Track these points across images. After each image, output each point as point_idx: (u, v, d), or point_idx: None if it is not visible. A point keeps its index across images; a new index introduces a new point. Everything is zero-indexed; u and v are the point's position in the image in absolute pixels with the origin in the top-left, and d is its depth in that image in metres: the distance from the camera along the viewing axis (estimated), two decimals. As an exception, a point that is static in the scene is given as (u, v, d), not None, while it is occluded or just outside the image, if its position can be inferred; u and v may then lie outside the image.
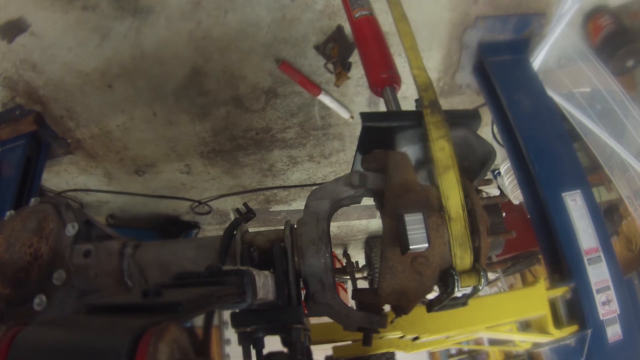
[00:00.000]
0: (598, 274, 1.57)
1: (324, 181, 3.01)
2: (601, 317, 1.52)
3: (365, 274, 3.71)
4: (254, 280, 0.65)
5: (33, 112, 2.11)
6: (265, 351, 0.78)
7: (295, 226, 0.86)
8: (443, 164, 0.81)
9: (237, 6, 1.82)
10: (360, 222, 3.79)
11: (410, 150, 0.91)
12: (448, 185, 0.79)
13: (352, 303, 0.89)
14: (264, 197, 3.18)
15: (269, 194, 3.14)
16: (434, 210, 0.77)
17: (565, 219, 1.62)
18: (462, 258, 0.76)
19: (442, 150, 0.82)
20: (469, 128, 0.91)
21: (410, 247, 0.69)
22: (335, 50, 1.99)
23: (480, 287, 0.76)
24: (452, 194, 0.78)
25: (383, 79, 1.06)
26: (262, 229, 0.91)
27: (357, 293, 0.86)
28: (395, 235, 0.74)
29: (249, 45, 1.97)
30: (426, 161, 0.86)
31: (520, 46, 2.01)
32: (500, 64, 1.99)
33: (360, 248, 4.37)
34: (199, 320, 0.57)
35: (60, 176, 2.61)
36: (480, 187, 0.93)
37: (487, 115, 2.08)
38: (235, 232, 0.87)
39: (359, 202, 0.88)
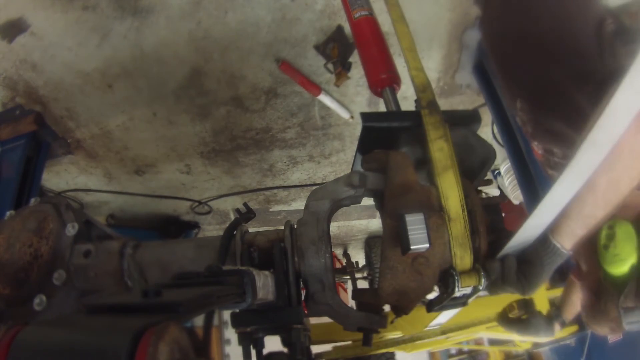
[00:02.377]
0: (598, 274, 1.57)
1: (324, 181, 3.01)
2: (601, 317, 1.52)
3: (365, 274, 3.71)
4: (254, 280, 0.65)
5: (33, 112, 2.11)
6: (265, 351, 0.78)
7: (295, 226, 0.86)
8: (442, 164, 0.81)
9: (237, 6, 1.82)
10: (360, 222, 3.79)
11: (410, 151, 0.91)
12: (447, 186, 0.79)
13: (352, 303, 0.89)
14: (264, 197, 3.18)
15: (269, 194, 3.14)
16: (434, 210, 0.77)
17: (565, 219, 1.62)
18: (462, 258, 0.76)
19: (441, 150, 0.82)
20: (469, 128, 0.91)
21: (411, 247, 0.69)
22: (335, 50, 1.99)
23: (481, 287, 0.77)
24: (452, 194, 0.78)
25: (383, 79, 1.06)
26: (262, 229, 0.91)
27: (357, 293, 0.86)
28: (395, 235, 0.74)
29: (249, 45, 1.98)
30: (426, 161, 0.86)
31: (520, 46, 2.01)
32: (500, 64, 1.98)
33: (360, 248, 4.37)
34: (199, 320, 0.57)
35: (60, 176, 2.61)
36: (480, 188, 0.93)
37: (487, 115, 2.08)
38: (235, 232, 0.87)
39: (359, 202, 0.89)
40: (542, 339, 1.39)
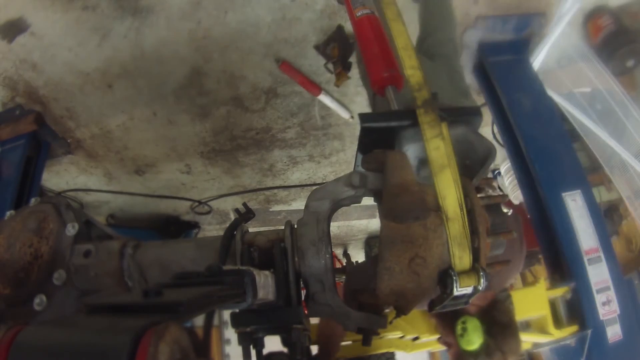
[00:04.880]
0: (598, 274, 1.57)
1: (324, 181, 3.01)
2: (601, 317, 1.52)
3: (365, 274, 3.70)
4: (255, 280, 0.64)
5: (33, 112, 2.11)
6: (265, 351, 0.78)
7: (296, 226, 0.86)
8: (438, 163, 0.80)
9: (237, 6, 1.82)
10: (360, 222, 3.79)
11: (412, 149, 0.91)
12: (444, 185, 0.79)
13: (352, 303, 0.89)
14: (264, 197, 3.18)
15: (269, 193, 3.14)
16: (431, 210, 0.77)
17: (565, 219, 1.62)
18: (461, 258, 0.76)
19: (437, 149, 0.82)
20: (468, 126, 0.91)
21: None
22: (336, 50, 1.99)
23: (480, 288, 0.76)
24: (449, 194, 0.78)
25: (385, 78, 1.06)
26: (262, 229, 0.91)
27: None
28: (392, 235, 0.74)
29: (249, 45, 1.98)
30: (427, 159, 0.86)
31: (520, 46, 2.01)
32: (500, 64, 1.98)
33: (360, 248, 4.37)
34: (199, 320, 0.57)
35: (60, 176, 2.61)
36: (485, 186, 0.92)
37: (487, 115, 2.08)
38: (235, 232, 0.87)
39: (359, 202, 0.88)
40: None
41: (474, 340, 1.25)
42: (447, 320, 1.35)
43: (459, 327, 1.26)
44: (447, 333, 1.35)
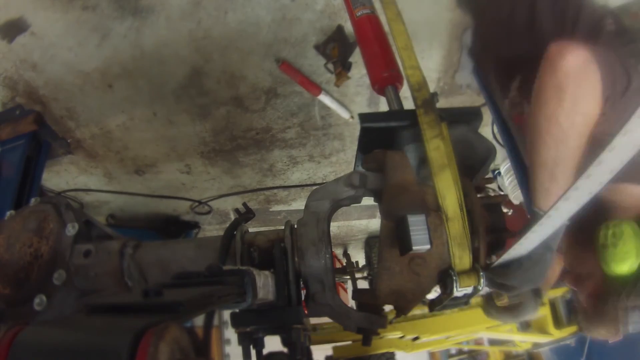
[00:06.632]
0: (598, 274, 1.57)
1: (324, 181, 3.01)
2: (601, 317, 1.52)
3: (365, 274, 3.70)
4: (255, 280, 0.65)
5: (33, 112, 2.10)
6: (265, 351, 0.78)
7: (296, 226, 0.86)
8: (438, 163, 0.81)
9: (237, 6, 1.82)
10: (360, 222, 3.79)
11: (412, 148, 0.91)
12: (444, 185, 0.79)
13: (352, 303, 0.89)
14: (264, 197, 3.18)
15: (269, 194, 3.14)
16: (431, 210, 0.77)
17: (565, 219, 1.62)
18: (461, 258, 0.76)
19: (437, 149, 0.82)
20: (468, 126, 0.91)
21: (413, 247, 0.69)
22: (336, 50, 1.99)
23: (480, 288, 0.76)
24: (449, 194, 0.78)
25: (385, 77, 1.06)
26: (262, 229, 0.91)
27: (356, 293, 0.86)
28: (392, 236, 0.74)
29: (249, 45, 1.98)
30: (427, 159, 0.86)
31: (520, 46, 2.01)
32: (501, 64, 1.98)
33: (361, 248, 4.37)
34: (199, 320, 0.57)
35: (60, 176, 2.61)
36: (487, 185, 0.93)
37: (487, 115, 2.08)
38: (235, 232, 0.87)
39: (359, 202, 0.89)
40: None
41: (629, 252, 0.76)
42: (587, 233, 0.87)
43: (605, 234, 0.81)
44: (580, 256, 0.89)
